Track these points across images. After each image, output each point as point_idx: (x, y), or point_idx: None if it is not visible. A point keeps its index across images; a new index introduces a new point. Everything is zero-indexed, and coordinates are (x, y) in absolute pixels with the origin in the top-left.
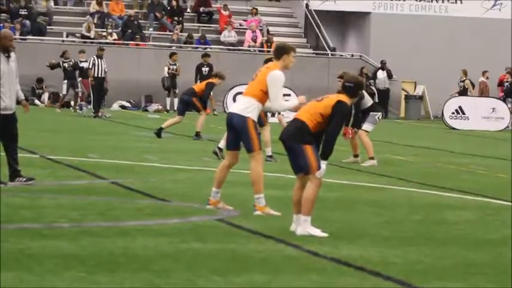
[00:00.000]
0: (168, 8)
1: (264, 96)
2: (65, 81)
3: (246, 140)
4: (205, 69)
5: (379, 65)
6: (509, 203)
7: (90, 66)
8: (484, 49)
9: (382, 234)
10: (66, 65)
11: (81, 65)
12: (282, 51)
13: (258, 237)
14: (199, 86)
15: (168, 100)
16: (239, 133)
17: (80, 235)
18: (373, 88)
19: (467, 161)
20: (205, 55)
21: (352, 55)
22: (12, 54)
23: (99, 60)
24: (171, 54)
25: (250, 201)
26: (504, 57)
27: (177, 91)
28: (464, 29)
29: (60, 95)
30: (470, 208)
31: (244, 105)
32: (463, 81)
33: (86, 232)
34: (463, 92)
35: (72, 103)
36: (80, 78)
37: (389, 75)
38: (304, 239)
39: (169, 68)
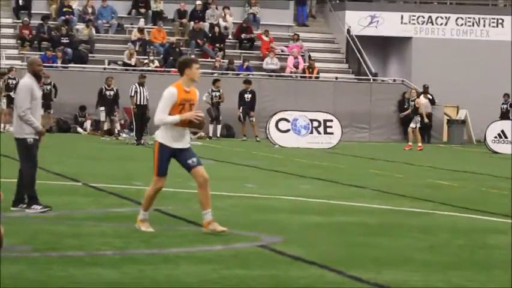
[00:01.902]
0: (210, 35)
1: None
2: (102, 108)
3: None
4: (247, 96)
5: (421, 90)
6: None
7: (132, 94)
8: None
9: (426, 259)
10: (107, 92)
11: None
12: (183, 66)
13: (300, 263)
14: None
15: (211, 127)
16: None
17: (124, 262)
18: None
19: (510, 185)
20: (247, 81)
21: (394, 80)
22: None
23: (140, 87)
24: (214, 81)
25: (293, 227)
26: None
27: (220, 118)
28: (506, 53)
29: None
30: None
31: (158, 131)
32: (413, 100)
33: (130, 259)
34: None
35: (116, 131)
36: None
37: (432, 101)
38: (347, 265)
39: (211, 96)
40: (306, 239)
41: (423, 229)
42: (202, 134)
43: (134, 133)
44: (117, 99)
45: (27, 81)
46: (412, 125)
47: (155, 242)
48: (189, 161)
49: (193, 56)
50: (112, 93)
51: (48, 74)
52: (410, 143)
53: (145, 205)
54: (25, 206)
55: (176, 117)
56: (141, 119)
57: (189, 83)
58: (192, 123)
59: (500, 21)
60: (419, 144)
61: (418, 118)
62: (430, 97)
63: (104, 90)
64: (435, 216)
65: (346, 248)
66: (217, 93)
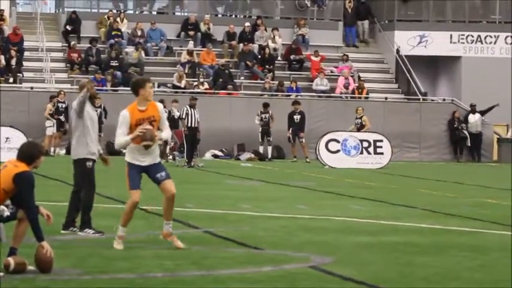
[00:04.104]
0: (259, 56)
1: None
2: None
3: None
4: (297, 117)
5: (469, 109)
6: None
7: (183, 116)
8: None
9: (475, 277)
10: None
11: (173, 114)
12: (136, 87)
13: (350, 283)
14: None
15: (261, 148)
16: None
17: (174, 284)
18: (466, 132)
19: None
20: (296, 102)
21: (444, 99)
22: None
23: (191, 110)
24: (264, 105)
25: (343, 248)
26: None
27: (270, 139)
28: None
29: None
30: None
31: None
32: (360, 117)
33: (180, 281)
34: None
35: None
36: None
37: (481, 112)
38: (397, 284)
39: (260, 117)
40: (356, 259)
41: (473, 248)
42: (252, 155)
43: (185, 155)
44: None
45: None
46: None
47: (205, 263)
48: (158, 175)
49: (145, 76)
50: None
51: (98, 97)
52: None
53: (122, 221)
54: (76, 229)
55: (127, 138)
56: (191, 142)
57: (144, 102)
58: (142, 137)
59: None
60: None
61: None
62: (479, 115)
63: (170, 114)
64: (485, 235)
65: (396, 267)
66: (267, 115)
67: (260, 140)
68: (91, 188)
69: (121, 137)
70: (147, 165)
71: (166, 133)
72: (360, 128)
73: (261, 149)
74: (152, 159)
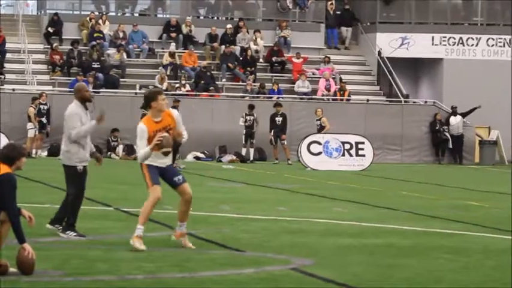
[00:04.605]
0: (241, 58)
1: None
2: None
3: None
4: (278, 119)
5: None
6: None
7: None
8: None
9: (457, 279)
10: None
11: None
12: (149, 100)
13: (331, 285)
14: None
15: (243, 150)
16: None
17: (155, 286)
18: (447, 134)
19: None
20: (278, 104)
21: (426, 101)
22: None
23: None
24: (249, 107)
25: (324, 250)
26: None
27: (253, 141)
28: None
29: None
30: None
31: None
32: (319, 119)
33: (161, 283)
34: None
35: None
36: None
37: (462, 114)
38: (378, 286)
39: (245, 119)
40: (337, 261)
41: (455, 250)
42: (234, 157)
43: None
44: None
45: (74, 108)
46: None
47: (187, 266)
48: (175, 179)
49: (157, 88)
50: None
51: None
52: None
53: (143, 219)
54: (60, 229)
55: (147, 149)
56: (174, 143)
57: (158, 114)
58: (160, 145)
59: None
60: None
61: None
62: (460, 118)
63: None
64: (467, 237)
65: (377, 269)
66: (252, 117)
67: (243, 142)
68: (80, 192)
69: (142, 150)
70: (165, 167)
71: (185, 134)
72: (320, 129)
73: (243, 151)
74: (168, 161)
